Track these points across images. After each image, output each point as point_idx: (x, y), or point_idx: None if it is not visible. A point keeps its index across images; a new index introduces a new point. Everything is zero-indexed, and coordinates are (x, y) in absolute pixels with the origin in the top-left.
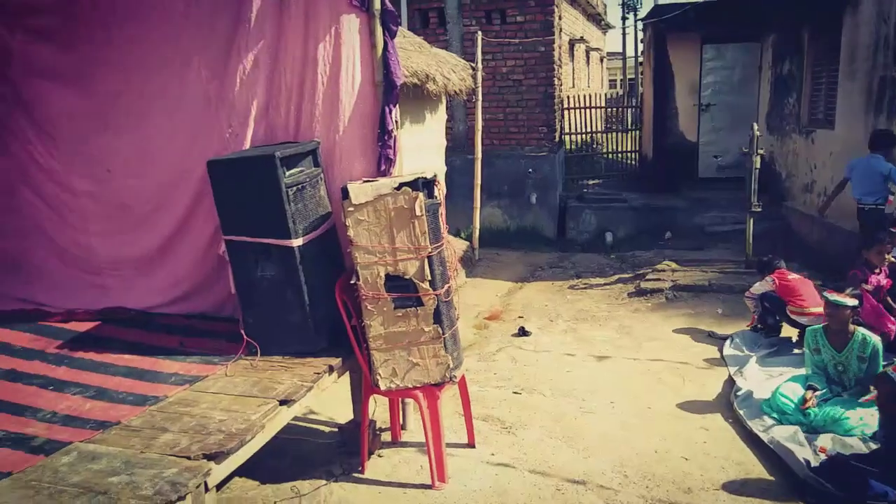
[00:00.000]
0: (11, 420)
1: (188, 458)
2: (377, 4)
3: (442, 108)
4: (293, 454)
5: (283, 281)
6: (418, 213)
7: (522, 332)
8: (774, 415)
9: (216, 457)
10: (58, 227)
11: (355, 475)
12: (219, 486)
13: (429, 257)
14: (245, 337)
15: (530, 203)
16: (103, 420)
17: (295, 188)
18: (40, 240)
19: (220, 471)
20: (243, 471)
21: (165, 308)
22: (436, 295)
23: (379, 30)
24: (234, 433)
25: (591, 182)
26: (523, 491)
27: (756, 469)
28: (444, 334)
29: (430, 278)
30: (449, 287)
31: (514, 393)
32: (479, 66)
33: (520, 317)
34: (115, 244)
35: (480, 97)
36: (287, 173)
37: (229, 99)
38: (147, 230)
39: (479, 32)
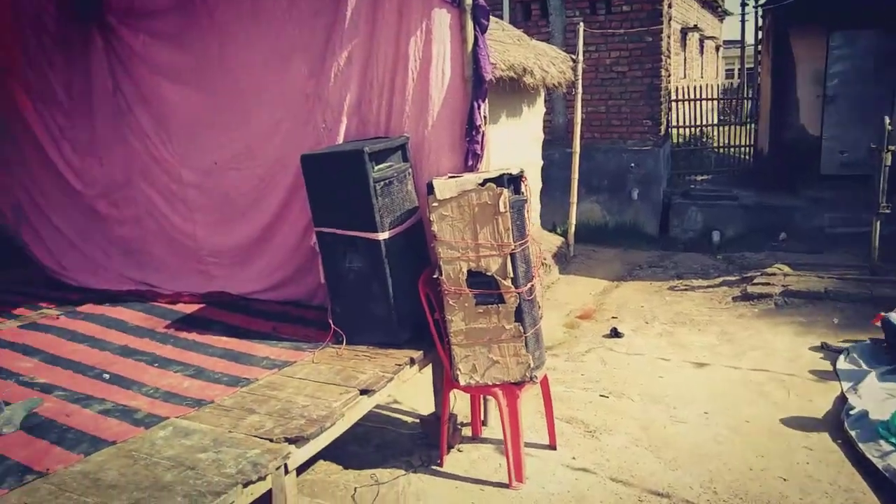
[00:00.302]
0: (121, 392)
1: (271, 440)
2: (468, 0)
3: (540, 101)
4: (375, 442)
5: (369, 273)
6: (502, 209)
7: (615, 334)
8: (893, 440)
9: (297, 441)
10: (167, 216)
11: (434, 467)
12: (304, 467)
13: (512, 254)
14: (332, 326)
15: (631, 199)
16: (199, 398)
17: (383, 183)
18: (152, 227)
19: (299, 454)
20: (328, 454)
21: (262, 294)
22: (518, 293)
23: (470, 25)
24: (315, 419)
25: (698, 178)
26: (603, 498)
27: (868, 499)
28: (525, 333)
29: (512, 276)
30: (532, 285)
31: (602, 396)
32: (581, 57)
33: (613, 317)
34: (216, 234)
35: (581, 89)
36: (376, 168)
37: (324, 95)
38: (246, 221)
39: (582, 23)
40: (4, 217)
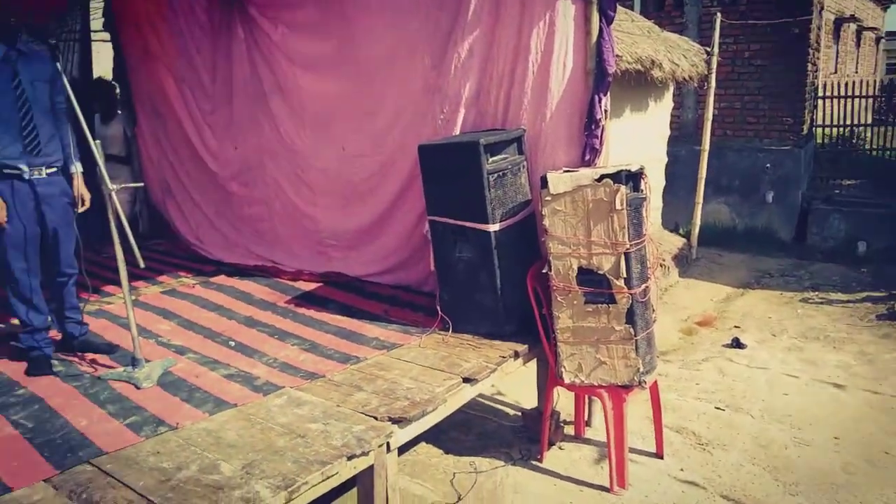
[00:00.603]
0: (244, 360)
1: (375, 418)
2: None
3: (668, 95)
4: (477, 430)
5: (478, 263)
6: (618, 206)
7: (736, 344)
8: None
9: (399, 421)
10: (292, 199)
11: (533, 462)
12: (406, 448)
13: (626, 254)
14: (440, 312)
15: (764, 201)
16: (312, 372)
17: (497, 174)
18: (278, 209)
19: (401, 435)
20: (429, 438)
21: (376, 277)
22: (630, 294)
23: (595, 16)
24: (417, 402)
25: (845, 182)
26: None
27: None
28: (636, 336)
29: (625, 276)
30: (647, 287)
31: (717, 408)
32: (716, 49)
33: (736, 326)
34: (336, 217)
35: (714, 84)
36: (490, 160)
37: (444, 87)
38: (365, 206)
39: (719, 13)
40: (154, 192)
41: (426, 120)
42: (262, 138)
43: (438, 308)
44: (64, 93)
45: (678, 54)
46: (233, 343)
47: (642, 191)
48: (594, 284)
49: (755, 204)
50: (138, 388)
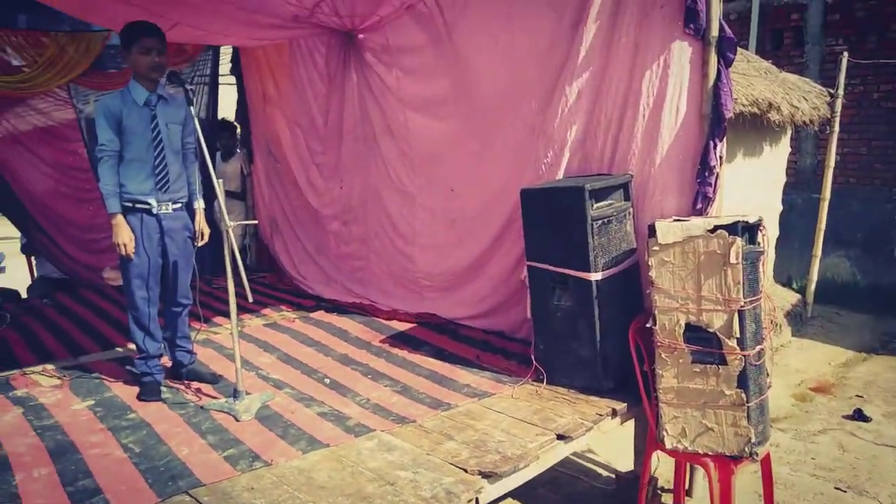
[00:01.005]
0: (337, 398)
1: (465, 470)
2: (714, 31)
3: (785, 139)
4: (566, 490)
5: (578, 313)
6: (733, 260)
7: (859, 416)
8: None
9: (490, 476)
10: (392, 238)
11: None
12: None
13: (740, 311)
14: (534, 362)
15: (893, 257)
16: (403, 416)
17: (601, 221)
18: (377, 248)
19: (491, 490)
20: (516, 493)
21: (469, 321)
22: (743, 356)
23: (713, 58)
24: (509, 457)
25: None
26: None
27: None
28: (748, 402)
29: (738, 335)
30: (761, 349)
31: (837, 489)
32: (841, 91)
33: (858, 395)
34: (434, 257)
35: (837, 128)
36: (595, 206)
37: (549, 130)
38: (463, 247)
39: (845, 53)
40: (263, 227)
41: (529, 163)
42: (369, 178)
43: (533, 357)
44: (194, 135)
45: (798, 96)
46: (328, 380)
47: (759, 244)
48: (703, 343)
49: (881, 259)
50: (238, 420)
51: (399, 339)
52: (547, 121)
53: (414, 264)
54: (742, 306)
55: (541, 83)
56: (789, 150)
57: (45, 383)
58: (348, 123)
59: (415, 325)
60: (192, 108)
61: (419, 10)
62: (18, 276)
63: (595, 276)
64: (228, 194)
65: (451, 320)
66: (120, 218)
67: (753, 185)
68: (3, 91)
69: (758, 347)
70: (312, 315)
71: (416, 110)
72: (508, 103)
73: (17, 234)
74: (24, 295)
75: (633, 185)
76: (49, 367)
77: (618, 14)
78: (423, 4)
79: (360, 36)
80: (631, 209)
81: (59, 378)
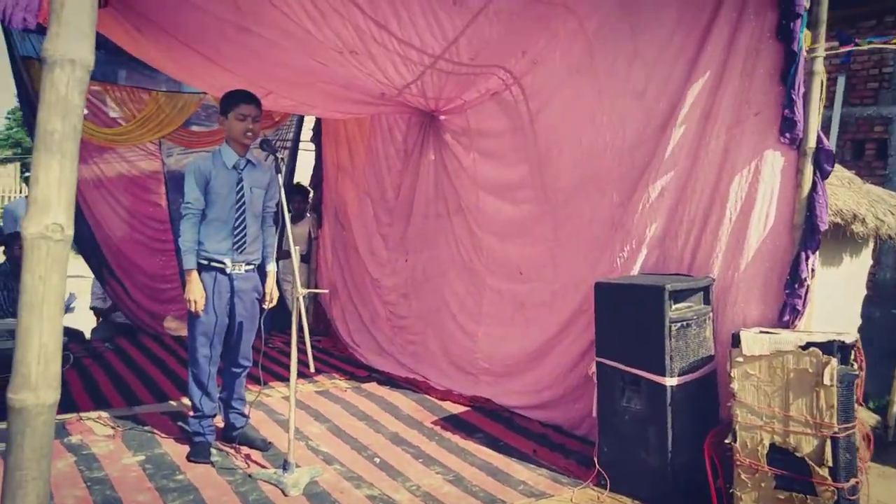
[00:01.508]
0: (387, 482)
1: None
2: (812, 142)
3: (867, 251)
4: None
5: (648, 418)
6: (827, 382)
7: None
8: None
9: None
10: (456, 316)
11: None
12: None
13: (833, 438)
14: (597, 465)
15: None
16: None
17: (679, 324)
18: (436, 325)
19: None
20: None
21: (525, 411)
22: (836, 488)
23: (809, 169)
24: None
25: None
26: None
27: None
28: None
29: (830, 464)
30: (857, 483)
31: None
32: None
33: None
34: (496, 340)
35: None
36: (674, 307)
37: (628, 224)
38: (528, 333)
39: None
40: (324, 292)
41: (604, 255)
42: (437, 255)
43: (595, 459)
44: (276, 199)
45: (884, 209)
46: (378, 460)
47: (853, 365)
48: (789, 467)
49: None
50: (285, 494)
51: (452, 423)
52: (627, 215)
53: (475, 344)
54: (835, 433)
55: (623, 178)
56: (871, 262)
57: (98, 432)
58: (420, 199)
59: (469, 408)
60: (279, 176)
61: (504, 97)
62: (84, 317)
63: (670, 382)
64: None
65: (506, 408)
66: (195, 274)
67: (832, 296)
68: (98, 141)
69: (853, 480)
70: (364, 386)
71: (489, 192)
72: (587, 194)
73: (90, 273)
74: (87, 336)
75: (713, 289)
76: (104, 415)
77: (709, 118)
78: (508, 92)
79: (442, 117)
80: (710, 314)
81: (112, 427)
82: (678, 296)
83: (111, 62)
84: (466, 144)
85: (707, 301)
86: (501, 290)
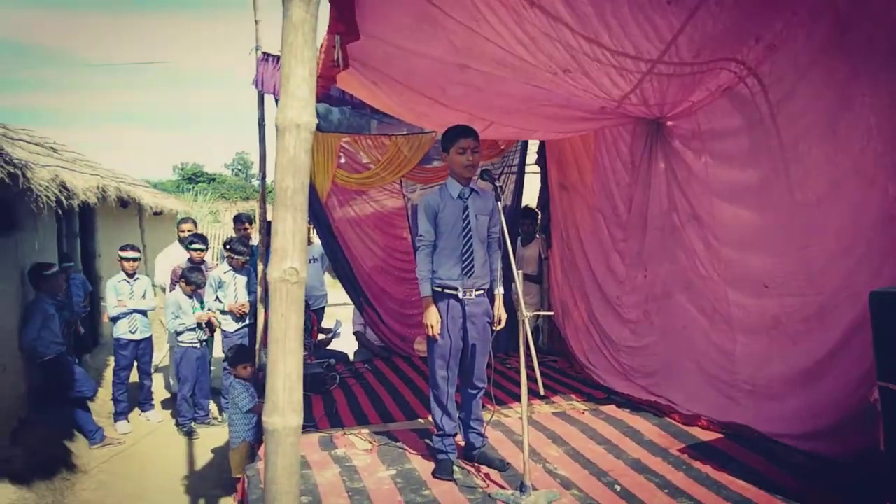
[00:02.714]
0: None
1: None
2: None
3: None
4: None
5: None
6: None
7: None
8: None
9: None
10: (707, 332)
11: None
12: None
13: None
14: None
15: None
16: None
17: None
18: (682, 342)
19: None
20: None
21: (791, 441)
22: None
23: None
24: None
25: None
26: None
27: None
28: None
29: None
30: None
31: None
32: None
33: None
34: (759, 359)
35: None
36: None
37: None
38: (794, 350)
39: None
40: (556, 311)
41: (888, 258)
42: (675, 268)
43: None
44: (499, 225)
45: None
46: (618, 487)
47: None
48: None
49: None
50: None
51: (702, 451)
52: None
53: (733, 364)
54: None
55: None
56: None
57: (359, 446)
58: (653, 211)
59: (720, 435)
60: (499, 203)
61: (738, 92)
62: (348, 340)
63: None
64: (525, 277)
65: (766, 436)
66: (430, 301)
67: None
68: (352, 186)
69: None
70: (603, 408)
71: (725, 198)
72: (848, 191)
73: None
74: (351, 357)
75: None
76: (364, 430)
77: None
78: (743, 85)
79: (669, 123)
80: None
81: (370, 442)
82: None
83: (363, 115)
84: (697, 148)
85: None
86: (746, 306)
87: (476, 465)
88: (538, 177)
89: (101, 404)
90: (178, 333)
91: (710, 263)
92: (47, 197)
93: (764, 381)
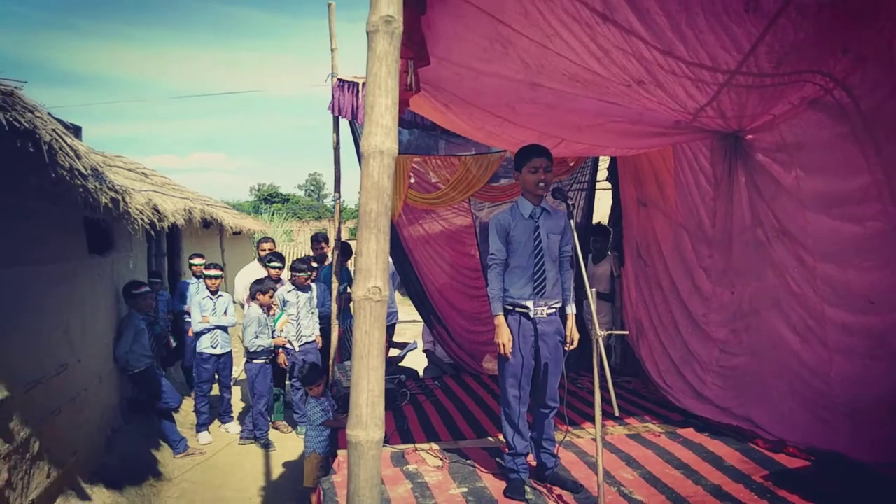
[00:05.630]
0: None
1: None
2: None
3: None
4: None
5: None
6: None
7: None
8: None
9: None
10: (798, 352)
11: None
12: None
13: None
14: None
15: None
16: None
17: None
18: (772, 362)
19: None
20: None
21: (891, 470)
22: None
23: None
24: None
25: None
26: None
27: None
28: None
29: None
30: None
31: None
32: None
33: None
34: (860, 378)
35: None
36: None
37: None
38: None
39: None
40: (630, 331)
41: None
42: (763, 285)
43: None
44: (571, 243)
45: None
46: None
47: None
48: None
49: None
50: None
51: (788, 479)
52: None
53: (829, 386)
54: None
55: None
56: None
57: (430, 462)
58: (737, 226)
59: (808, 464)
60: (571, 221)
61: (825, 103)
62: (418, 357)
63: None
64: (598, 296)
65: (862, 464)
66: (502, 319)
67: None
68: (422, 205)
69: None
70: (680, 431)
71: (821, 212)
72: None
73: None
74: (421, 374)
75: None
76: (434, 446)
77: None
78: (830, 97)
79: (749, 136)
80: None
81: (440, 459)
82: None
83: (432, 136)
84: (785, 161)
85: None
86: (847, 324)
87: (548, 485)
88: (608, 193)
89: (185, 415)
90: (255, 352)
91: (803, 279)
92: (142, 219)
93: (864, 405)
